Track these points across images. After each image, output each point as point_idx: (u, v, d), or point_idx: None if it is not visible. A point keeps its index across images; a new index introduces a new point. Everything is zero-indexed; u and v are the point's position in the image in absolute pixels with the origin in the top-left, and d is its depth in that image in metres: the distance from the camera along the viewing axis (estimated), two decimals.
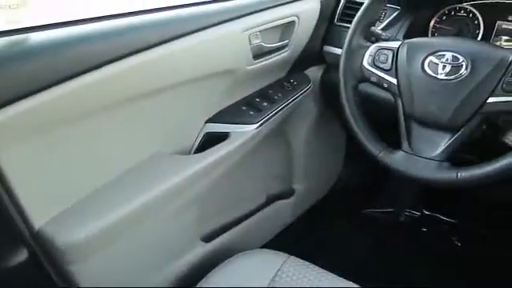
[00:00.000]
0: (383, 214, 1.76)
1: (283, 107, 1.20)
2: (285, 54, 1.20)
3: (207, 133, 1.11)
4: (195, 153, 1.09)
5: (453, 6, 1.18)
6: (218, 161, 1.05)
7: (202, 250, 1.17)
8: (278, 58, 1.18)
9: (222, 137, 1.09)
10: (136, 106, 0.91)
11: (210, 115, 1.12)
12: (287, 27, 1.18)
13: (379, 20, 1.21)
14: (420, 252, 1.57)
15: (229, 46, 1.04)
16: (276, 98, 1.20)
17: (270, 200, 1.43)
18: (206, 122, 1.11)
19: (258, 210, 1.38)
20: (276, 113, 1.17)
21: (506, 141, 0.87)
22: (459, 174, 0.82)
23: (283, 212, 1.50)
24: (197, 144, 1.10)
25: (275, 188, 1.47)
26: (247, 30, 1.06)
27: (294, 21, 1.17)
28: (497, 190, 1.49)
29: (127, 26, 0.86)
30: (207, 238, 1.19)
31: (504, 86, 0.79)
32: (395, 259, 1.54)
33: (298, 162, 1.49)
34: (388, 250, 1.59)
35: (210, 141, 1.09)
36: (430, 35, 1.21)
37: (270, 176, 1.43)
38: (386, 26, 1.20)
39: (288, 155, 1.47)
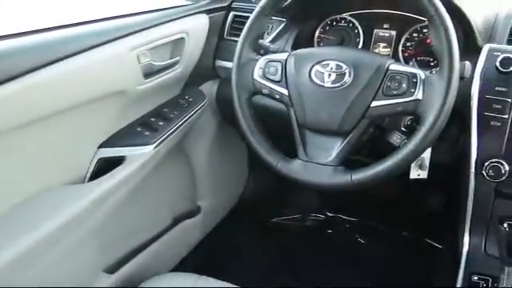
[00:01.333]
0: (291, 221, 1.81)
1: (180, 125, 1.17)
2: (177, 71, 1.18)
3: (101, 158, 1.04)
4: (89, 181, 1.02)
5: (334, 16, 1.25)
6: (114, 186, 1.00)
7: (106, 281, 1.10)
8: (170, 75, 1.16)
9: (117, 161, 1.04)
10: (19, 136, 0.83)
11: (103, 139, 1.06)
12: (177, 44, 1.16)
13: (267, 33, 1.24)
14: (327, 253, 1.63)
15: (117, 66, 1.00)
16: (172, 116, 1.17)
17: (177, 220, 1.40)
18: (100, 147, 1.05)
19: (164, 232, 1.33)
20: (173, 131, 1.15)
21: (391, 141, 0.92)
22: (353, 177, 0.85)
23: (191, 231, 1.47)
24: (90, 171, 1.04)
25: (180, 208, 1.43)
26: (135, 48, 1.02)
27: (183, 37, 1.16)
28: (391, 188, 1.60)
29: (5, 49, 0.79)
30: (111, 269, 1.13)
31: (384, 90, 0.84)
32: (305, 264, 1.58)
33: (201, 178, 1.48)
34: (297, 256, 1.62)
35: (106, 166, 1.04)
36: (315, 45, 1.26)
37: (174, 196, 1.40)
38: (274, 38, 1.23)
39: (190, 173, 1.45)
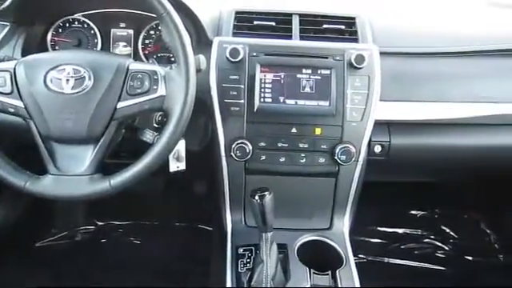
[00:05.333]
0: (58, 240, 1.67)
1: None
2: None
3: None
4: None
5: (66, 18, 1.18)
6: None
7: None
8: None
9: None
10: None
11: None
12: None
13: None
14: (104, 263, 1.58)
15: None
16: None
17: None
18: None
19: None
20: None
21: (145, 139, 0.93)
22: (111, 182, 0.83)
23: None
24: None
25: None
26: None
27: None
28: (156, 184, 1.62)
29: None
30: None
31: (128, 90, 0.84)
32: (81, 280, 1.49)
33: None
34: (68, 276, 1.51)
35: None
36: (50, 49, 1.17)
37: None
38: None
39: None
